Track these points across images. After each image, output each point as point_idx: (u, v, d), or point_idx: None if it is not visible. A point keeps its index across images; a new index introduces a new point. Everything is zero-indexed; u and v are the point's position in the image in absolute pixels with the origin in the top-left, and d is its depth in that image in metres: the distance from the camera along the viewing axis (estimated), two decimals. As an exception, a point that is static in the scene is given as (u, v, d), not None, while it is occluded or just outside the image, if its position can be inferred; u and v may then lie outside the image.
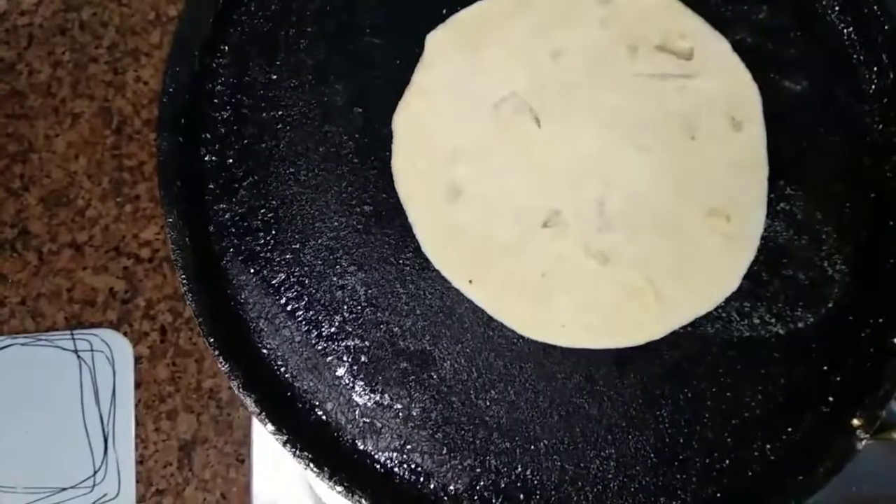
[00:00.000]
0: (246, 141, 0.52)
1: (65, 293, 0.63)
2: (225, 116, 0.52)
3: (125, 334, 0.63)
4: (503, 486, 0.48)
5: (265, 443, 0.58)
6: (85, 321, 0.63)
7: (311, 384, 0.49)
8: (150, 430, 0.61)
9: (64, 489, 0.60)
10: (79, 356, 0.62)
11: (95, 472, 0.60)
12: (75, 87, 0.67)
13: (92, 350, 0.62)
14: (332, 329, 0.50)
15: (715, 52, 0.53)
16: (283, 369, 0.49)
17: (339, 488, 0.45)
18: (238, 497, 0.61)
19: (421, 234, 0.51)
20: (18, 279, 0.63)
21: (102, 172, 0.65)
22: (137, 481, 0.60)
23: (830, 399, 0.49)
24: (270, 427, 0.46)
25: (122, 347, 0.62)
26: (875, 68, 0.53)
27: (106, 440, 0.61)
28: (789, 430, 0.49)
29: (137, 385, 0.62)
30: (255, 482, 0.58)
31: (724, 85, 0.53)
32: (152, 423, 0.61)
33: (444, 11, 0.54)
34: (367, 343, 0.50)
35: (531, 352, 0.50)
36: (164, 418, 0.62)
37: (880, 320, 0.50)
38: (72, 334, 0.62)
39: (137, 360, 0.62)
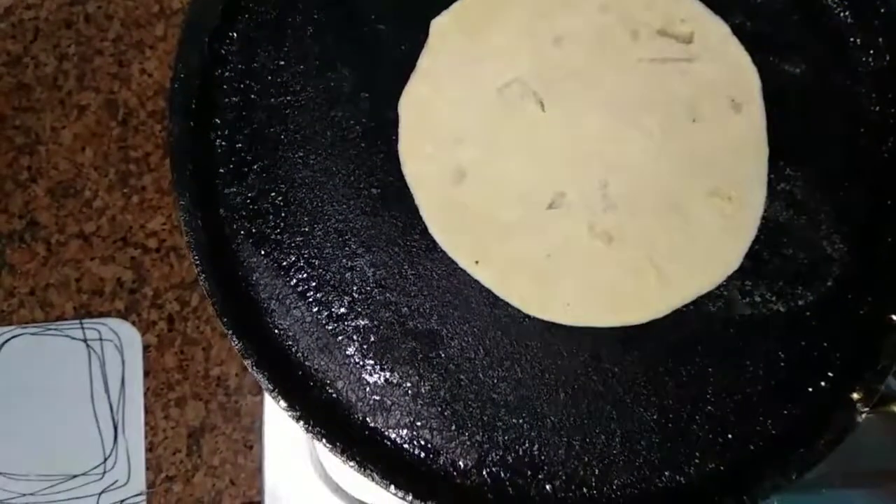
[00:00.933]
0: (255, 126, 0.53)
1: (73, 283, 0.63)
2: (234, 102, 0.53)
3: (133, 323, 0.63)
4: (511, 461, 0.49)
5: (275, 426, 0.58)
6: (93, 310, 0.63)
7: (322, 363, 0.50)
8: (158, 417, 0.61)
9: (75, 476, 0.60)
10: (88, 345, 0.62)
11: (106, 459, 0.60)
12: (81, 80, 0.67)
13: (101, 339, 0.62)
14: (342, 309, 0.50)
15: (715, 35, 0.54)
16: (294, 349, 0.50)
17: (352, 463, 0.46)
18: (247, 483, 0.61)
19: (427, 216, 0.52)
20: (27, 269, 0.63)
21: (109, 164, 0.65)
22: (147, 468, 0.61)
23: (830, 374, 0.50)
24: (283, 403, 0.47)
25: (130, 336, 0.62)
26: (871, 51, 0.54)
27: (116, 428, 0.61)
28: (790, 404, 0.50)
29: (146, 373, 0.62)
30: (266, 466, 0.58)
31: (724, 68, 0.53)
32: (161, 411, 0.62)
33: (449, -3, 0.54)
34: (376, 323, 0.50)
35: (537, 330, 0.50)
36: (173, 406, 0.62)
37: (878, 297, 0.51)
38: (81, 323, 0.62)
39: (146, 348, 0.62)
